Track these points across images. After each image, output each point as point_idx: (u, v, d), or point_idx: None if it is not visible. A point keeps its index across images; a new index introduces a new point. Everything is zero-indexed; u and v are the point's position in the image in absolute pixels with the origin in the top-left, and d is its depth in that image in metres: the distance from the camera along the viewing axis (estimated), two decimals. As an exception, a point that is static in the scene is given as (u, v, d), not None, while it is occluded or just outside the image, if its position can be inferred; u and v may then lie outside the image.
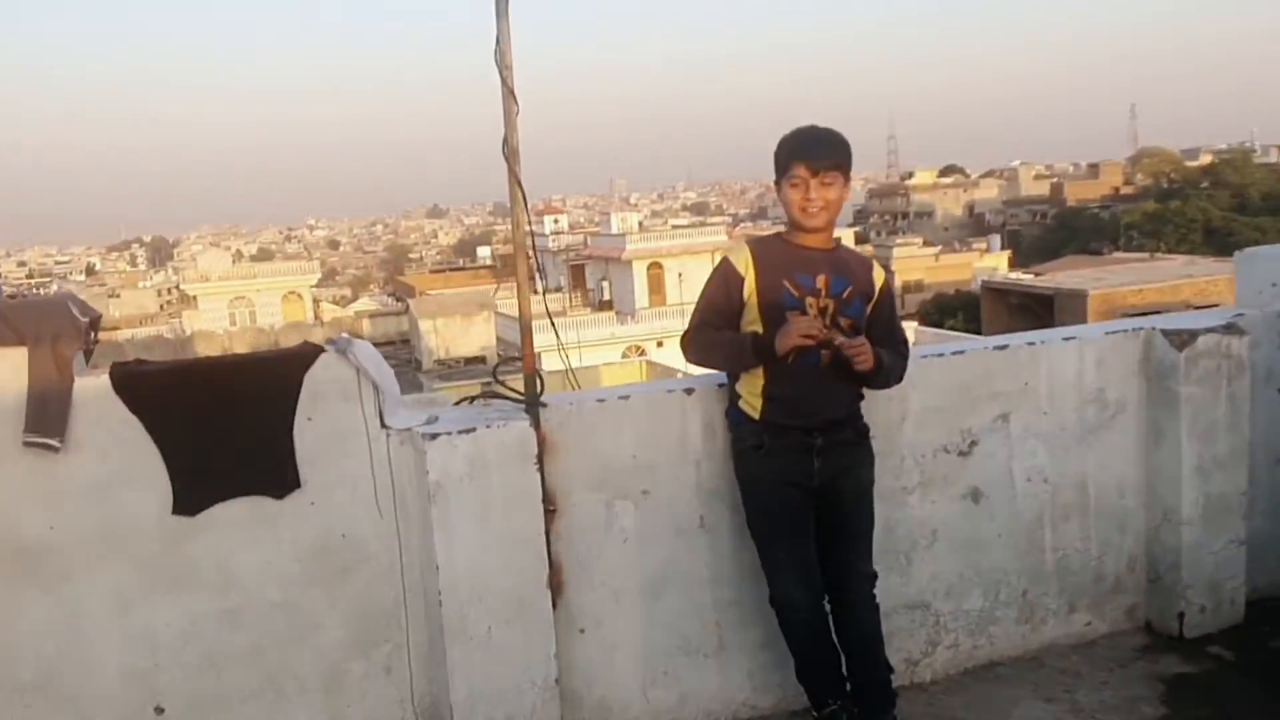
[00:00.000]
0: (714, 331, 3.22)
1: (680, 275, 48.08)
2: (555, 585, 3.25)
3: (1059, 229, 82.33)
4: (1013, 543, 3.85)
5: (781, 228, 3.36)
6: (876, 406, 3.44)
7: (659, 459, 3.38)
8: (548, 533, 3.22)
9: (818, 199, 3.14)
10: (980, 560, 3.82)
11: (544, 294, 4.09)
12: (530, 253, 3.34)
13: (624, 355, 42.69)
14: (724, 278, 3.21)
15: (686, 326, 3.27)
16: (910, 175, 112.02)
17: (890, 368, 3.24)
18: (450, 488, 3.07)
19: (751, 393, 3.24)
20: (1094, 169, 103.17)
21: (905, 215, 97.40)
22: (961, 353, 3.73)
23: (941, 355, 3.70)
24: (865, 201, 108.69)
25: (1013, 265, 61.91)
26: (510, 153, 3.14)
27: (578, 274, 59.20)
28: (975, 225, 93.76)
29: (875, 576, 3.31)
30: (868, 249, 68.19)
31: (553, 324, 3.58)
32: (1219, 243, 61.97)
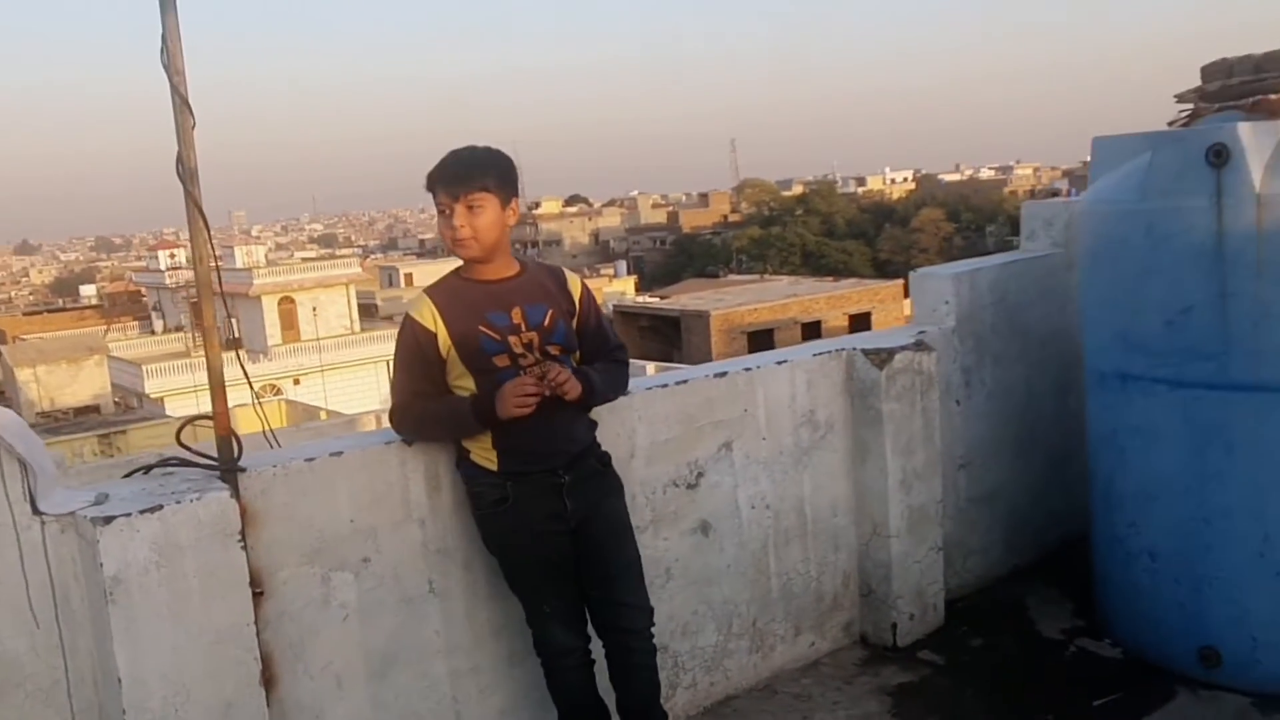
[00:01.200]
0: (424, 402, 2.93)
1: (315, 310, 46.11)
2: (268, 680, 2.76)
3: (678, 254, 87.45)
4: (742, 572, 3.79)
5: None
6: (606, 443, 3.23)
7: (380, 521, 2.98)
8: (256, 620, 2.72)
9: (464, 227, 2.88)
10: (712, 594, 3.72)
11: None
12: (217, 288, 2.85)
13: (258, 396, 40.15)
14: (413, 338, 2.90)
15: (392, 403, 2.94)
16: (537, 205, 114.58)
17: (607, 383, 3.07)
18: (133, 581, 2.50)
19: (482, 446, 2.95)
20: (704, 198, 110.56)
21: (535, 244, 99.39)
22: (685, 382, 3.62)
23: (666, 386, 3.57)
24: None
25: (639, 289, 64.84)
26: (187, 174, 2.64)
27: (199, 311, 55.07)
28: (601, 252, 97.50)
29: (651, 611, 3.11)
30: (502, 277, 68.79)
31: (245, 374, 3.07)
32: (815, 264, 68.55)
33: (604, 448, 3.16)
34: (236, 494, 2.69)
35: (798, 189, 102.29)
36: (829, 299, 47.20)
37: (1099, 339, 3.97)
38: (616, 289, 63.97)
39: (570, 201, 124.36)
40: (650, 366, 17.23)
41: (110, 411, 37.66)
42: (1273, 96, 3.57)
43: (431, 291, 2.96)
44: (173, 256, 63.34)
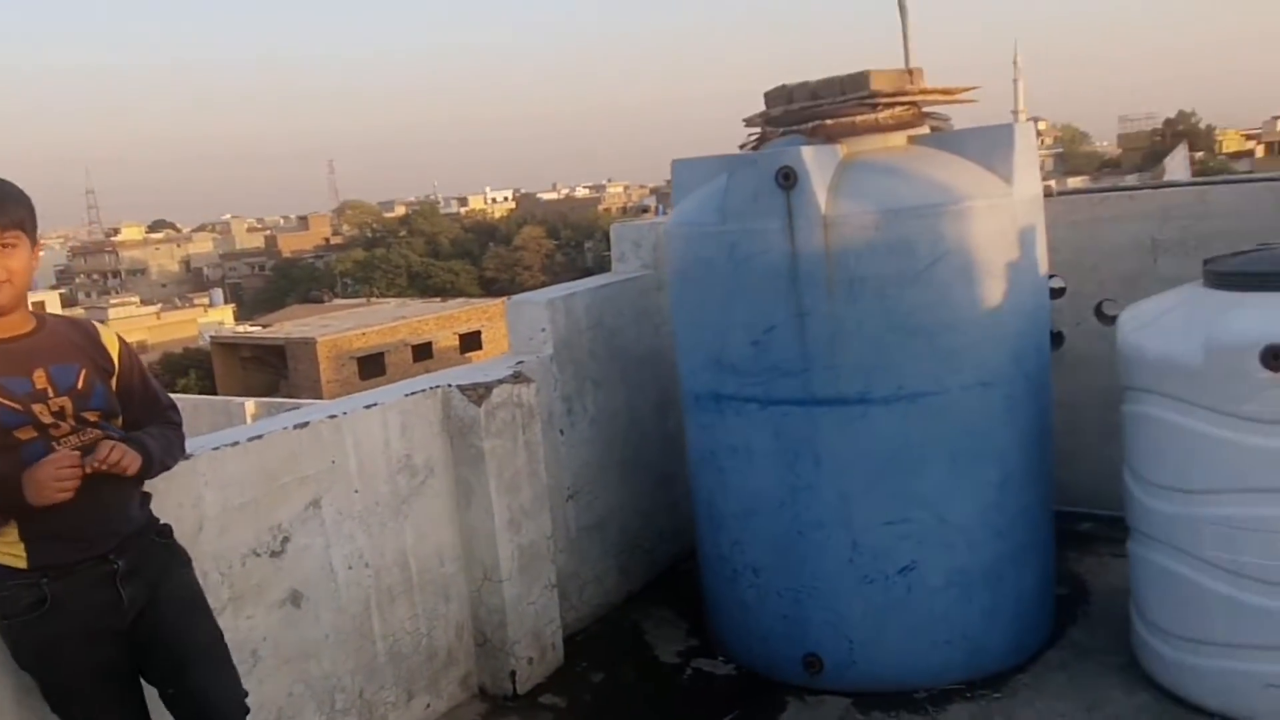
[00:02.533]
0: None
1: None
2: None
3: (278, 280, 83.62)
4: (343, 641, 3.43)
5: None
6: (166, 518, 2.76)
7: None
8: None
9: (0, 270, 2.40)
10: (310, 670, 3.32)
11: None
12: None
13: None
14: None
15: None
16: (117, 231, 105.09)
17: (164, 450, 2.62)
18: None
19: (5, 540, 2.40)
20: (304, 220, 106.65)
21: (117, 274, 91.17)
22: (260, 437, 3.19)
23: (237, 444, 3.13)
24: (68, 261, 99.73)
25: (238, 318, 61.29)
26: None
27: None
28: (195, 280, 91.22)
29: (245, 698, 2.68)
30: (79, 311, 62.47)
31: None
32: (421, 285, 68.15)
33: (163, 520, 2.70)
34: None
35: (400, 210, 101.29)
36: (438, 319, 46.98)
37: (692, 361, 4.00)
38: (213, 319, 60.03)
39: (155, 227, 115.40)
40: (250, 403, 16.07)
41: None
42: (829, 122, 3.74)
43: None
44: None
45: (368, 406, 3.54)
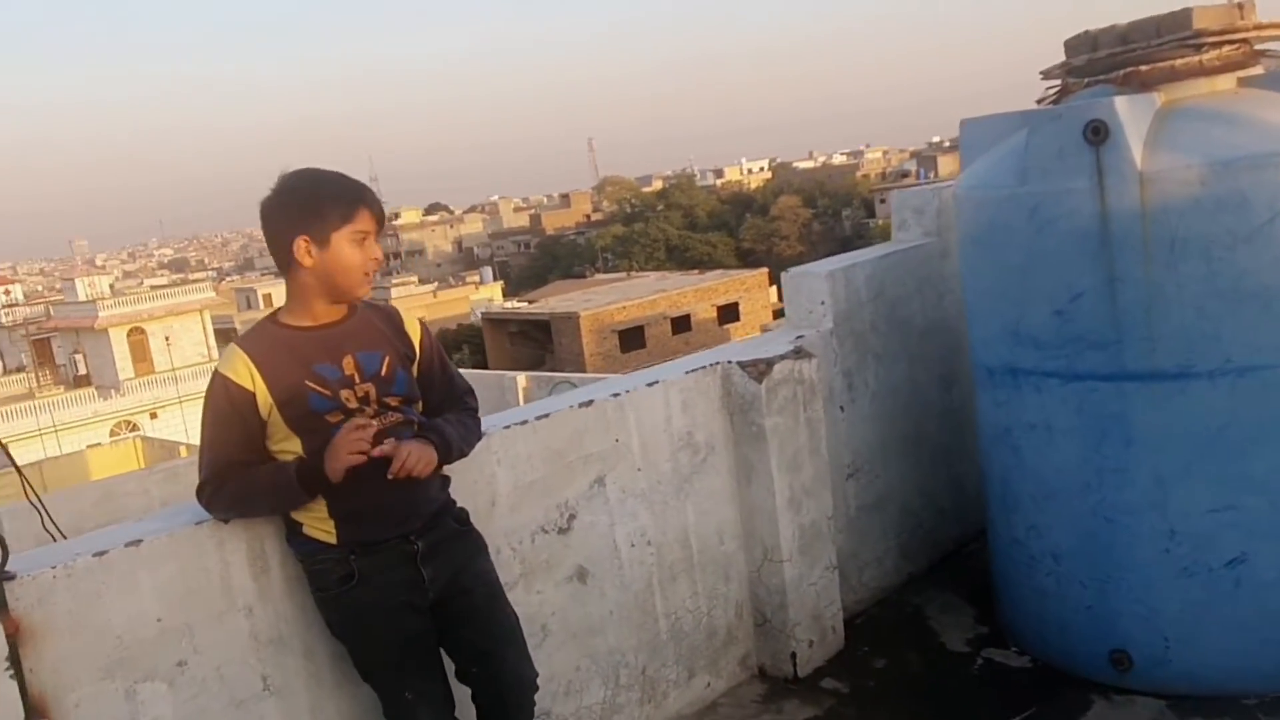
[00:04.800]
0: (241, 472, 2.47)
1: (168, 339, 44.01)
2: (63, 829, 2.28)
3: (542, 257, 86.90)
4: (626, 617, 3.43)
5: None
6: (462, 494, 2.83)
7: (196, 616, 2.52)
8: (42, 759, 2.24)
9: (379, 258, 2.53)
10: (596, 645, 3.35)
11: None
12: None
13: (112, 434, 38.07)
14: (227, 400, 2.45)
15: (200, 476, 2.49)
16: (396, 215, 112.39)
17: (462, 436, 2.68)
18: None
19: (316, 517, 2.52)
20: (566, 199, 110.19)
21: (398, 255, 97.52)
22: (547, 416, 3.23)
23: (525, 422, 3.18)
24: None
25: (506, 295, 64.14)
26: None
27: (43, 349, 52.42)
28: (466, 259, 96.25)
29: (536, 678, 2.75)
30: (364, 292, 67.21)
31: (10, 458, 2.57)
32: (679, 258, 68.93)
33: (461, 499, 2.77)
34: (3, 608, 2.20)
35: (657, 184, 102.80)
36: (696, 292, 47.42)
37: (985, 332, 3.75)
38: (483, 296, 63.18)
39: (431, 210, 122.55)
40: (521, 377, 16.77)
41: None
42: (1144, 68, 3.38)
43: (245, 343, 2.52)
44: (8, 293, 60.12)
45: (649, 384, 3.51)
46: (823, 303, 4.13)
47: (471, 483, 2.98)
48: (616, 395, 3.41)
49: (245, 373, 2.45)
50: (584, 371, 41.30)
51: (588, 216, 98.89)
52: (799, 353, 3.81)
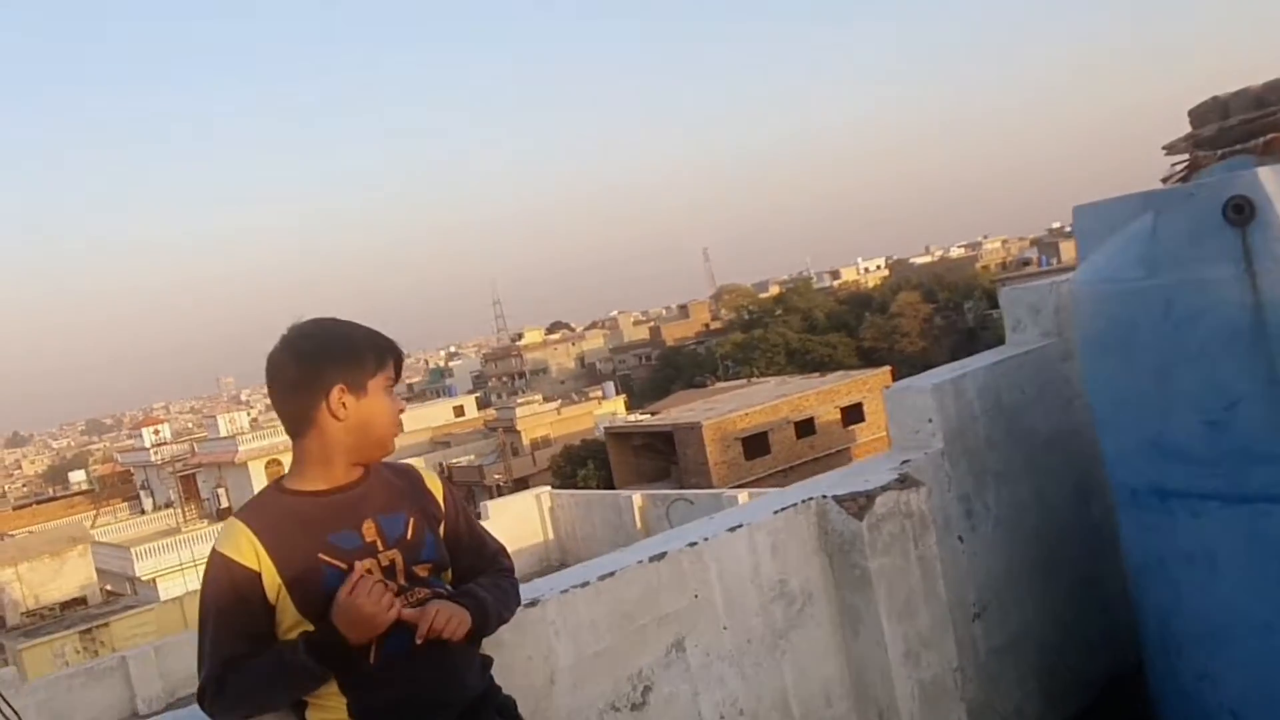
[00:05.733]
0: (244, 665, 2.11)
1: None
2: None
3: (663, 368, 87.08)
4: (718, 804, 2.96)
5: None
6: (514, 673, 2.45)
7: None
8: None
9: (404, 407, 2.29)
10: (685, 841, 2.88)
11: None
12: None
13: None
14: (229, 583, 2.11)
15: (200, 677, 2.14)
16: (520, 336, 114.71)
17: (500, 602, 2.31)
18: None
19: (327, 706, 2.15)
20: (684, 309, 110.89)
21: (521, 374, 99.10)
22: (612, 575, 2.83)
23: (587, 584, 2.78)
24: (482, 367, 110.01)
25: (629, 408, 64.16)
26: None
27: (189, 484, 54.51)
28: (589, 375, 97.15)
29: None
30: (491, 413, 68.28)
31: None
32: (799, 361, 68.18)
33: (510, 682, 2.38)
34: None
35: (774, 289, 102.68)
36: (818, 394, 46.60)
37: (1121, 445, 3.22)
38: (606, 410, 63.33)
39: (553, 329, 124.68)
40: (637, 496, 16.33)
41: (97, 602, 36.37)
42: (1286, 131, 2.90)
43: (247, 514, 2.20)
44: (157, 433, 62.88)
45: (731, 529, 3.09)
46: (930, 420, 3.66)
47: (524, 660, 2.59)
48: (694, 544, 2.99)
49: (249, 550, 2.13)
50: (709, 481, 40.71)
51: (706, 325, 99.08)
52: (904, 481, 3.34)
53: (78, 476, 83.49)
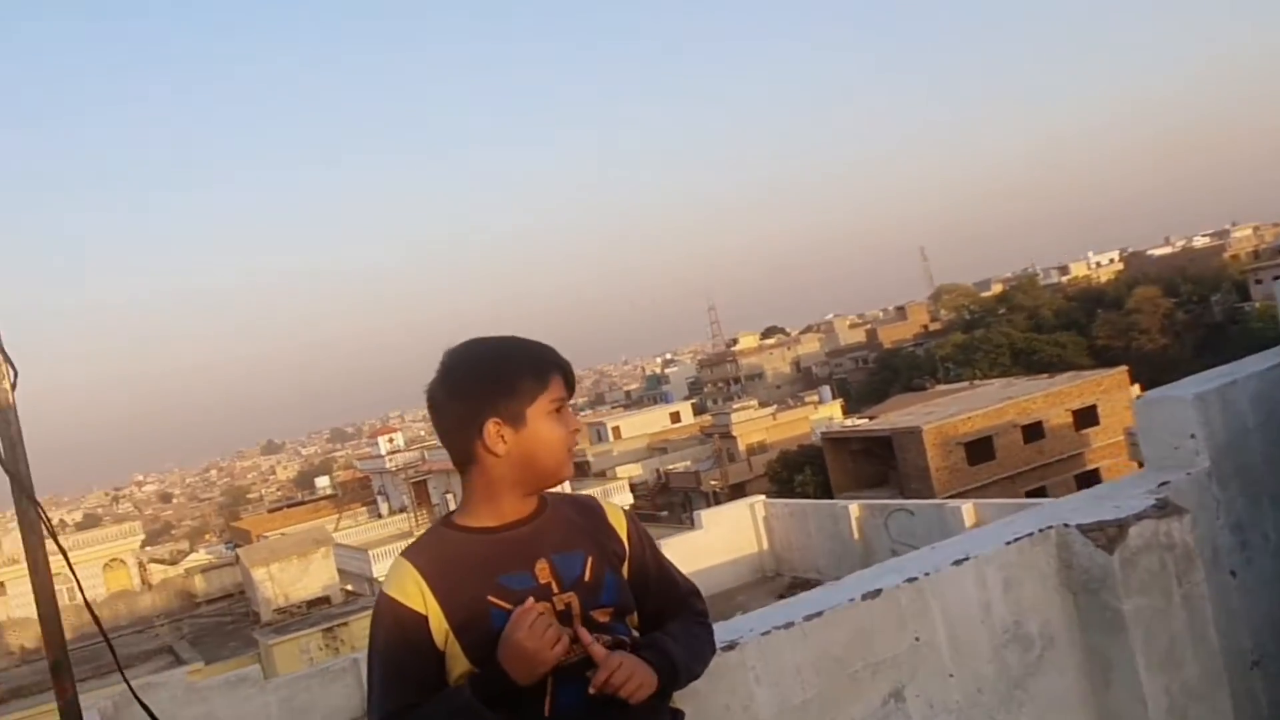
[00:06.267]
0: (413, 714, 1.94)
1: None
2: None
3: (881, 371, 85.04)
4: None
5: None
6: (710, 724, 2.19)
7: None
8: None
9: (580, 428, 2.01)
10: None
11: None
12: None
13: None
14: (397, 628, 1.96)
15: None
16: (735, 341, 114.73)
17: (690, 653, 2.06)
18: None
19: None
20: (901, 311, 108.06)
21: (737, 380, 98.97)
22: (819, 614, 2.53)
23: (791, 625, 2.49)
24: (697, 373, 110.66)
25: (846, 412, 62.87)
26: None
27: (420, 490, 57.17)
28: (804, 379, 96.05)
29: None
30: (707, 419, 68.46)
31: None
32: (1025, 362, 65.01)
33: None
34: None
35: (997, 288, 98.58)
36: (1046, 397, 44.19)
37: None
38: (823, 415, 62.30)
39: (768, 333, 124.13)
40: (854, 506, 15.74)
41: (339, 601, 38.61)
42: None
43: (414, 555, 2.04)
44: (391, 441, 66.41)
45: (956, 563, 2.72)
46: (1193, 435, 3.16)
47: (721, 709, 2.33)
48: (913, 580, 2.65)
49: (415, 593, 1.96)
50: (930, 487, 39.27)
51: (925, 327, 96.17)
52: (1164, 507, 2.87)
53: (322, 482, 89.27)
